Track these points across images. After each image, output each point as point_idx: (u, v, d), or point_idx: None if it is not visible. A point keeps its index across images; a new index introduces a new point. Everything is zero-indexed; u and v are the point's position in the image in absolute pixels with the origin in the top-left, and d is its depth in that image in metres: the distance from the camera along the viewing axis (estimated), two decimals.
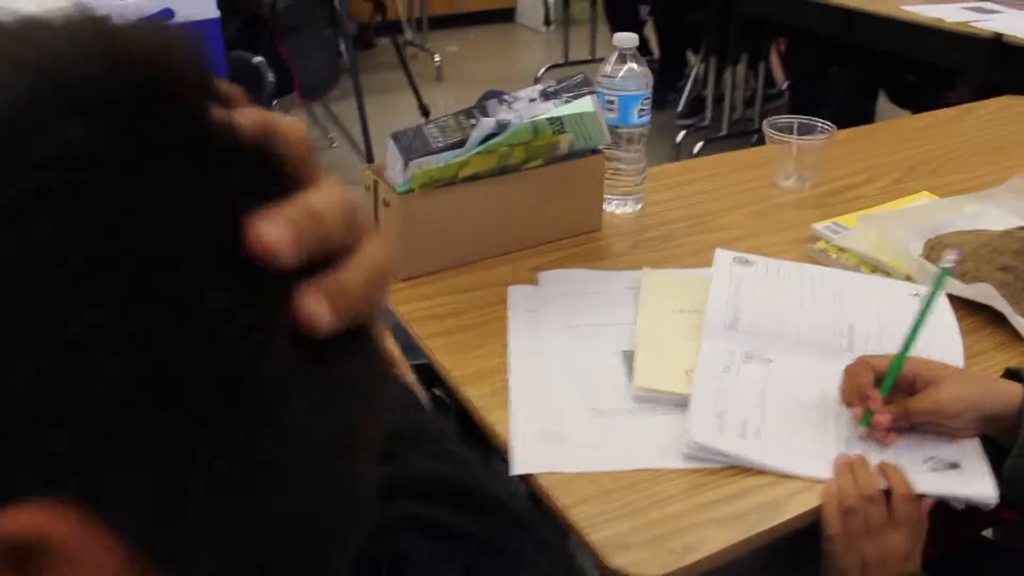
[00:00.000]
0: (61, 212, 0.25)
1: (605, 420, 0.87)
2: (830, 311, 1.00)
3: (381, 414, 0.33)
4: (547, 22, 5.43)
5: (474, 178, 1.10)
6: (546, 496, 0.79)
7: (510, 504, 0.45)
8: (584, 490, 0.79)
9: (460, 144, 1.08)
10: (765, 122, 1.42)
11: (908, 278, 1.10)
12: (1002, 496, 0.80)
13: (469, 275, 1.13)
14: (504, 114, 1.09)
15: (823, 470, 0.81)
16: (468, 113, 1.09)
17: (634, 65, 1.24)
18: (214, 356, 0.26)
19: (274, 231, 0.27)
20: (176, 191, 0.26)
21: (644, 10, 3.85)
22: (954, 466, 0.83)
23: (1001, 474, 0.80)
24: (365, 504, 0.33)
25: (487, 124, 1.07)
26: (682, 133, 3.55)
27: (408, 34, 4.94)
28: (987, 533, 1.15)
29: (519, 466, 0.81)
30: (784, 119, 1.41)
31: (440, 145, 1.07)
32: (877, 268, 1.14)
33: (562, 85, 1.14)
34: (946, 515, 0.83)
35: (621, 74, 1.24)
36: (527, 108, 1.11)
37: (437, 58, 4.61)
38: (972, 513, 0.83)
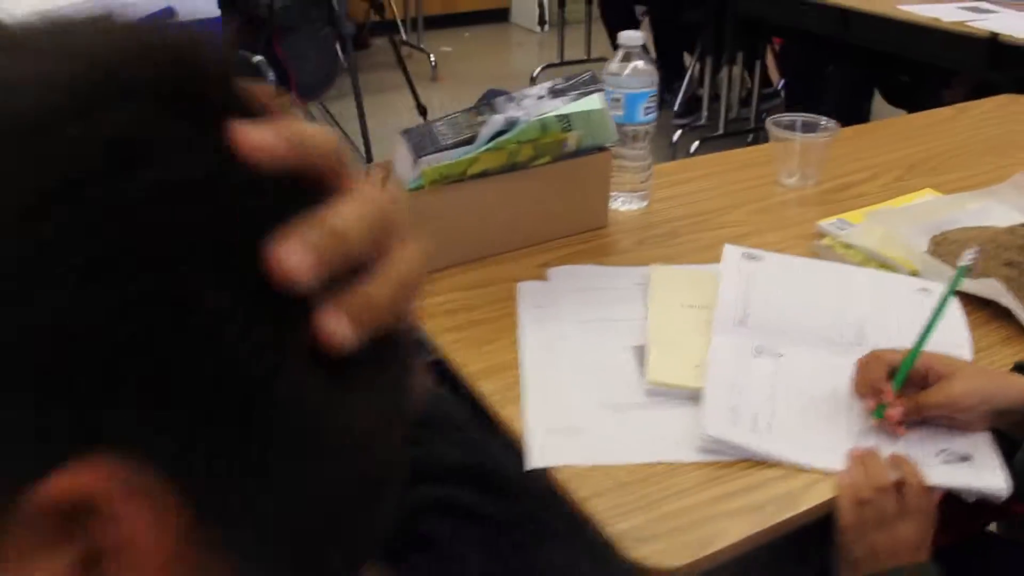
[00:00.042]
0: (101, 192, 0.26)
1: (619, 414, 0.88)
2: (839, 306, 1.01)
3: (408, 408, 0.33)
4: (541, 22, 5.44)
5: (483, 175, 1.11)
6: (562, 489, 0.79)
7: (531, 488, 0.46)
8: (600, 483, 0.80)
9: (469, 141, 1.08)
10: (768, 119, 1.42)
11: (914, 274, 1.11)
12: (1013, 489, 0.81)
13: (478, 271, 1.13)
14: (513, 111, 1.10)
15: (836, 462, 0.82)
16: (477, 110, 1.10)
17: (640, 63, 1.25)
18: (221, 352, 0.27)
19: (294, 256, 0.27)
20: (186, 197, 0.27)
21: (640, 10, 3.86)
22: (966, 459, 0.83)
23: (1013, 467, 0.81)
24: (391, 485, 0.33)
25: (496, 121, 1.07)
26: (678, 132, 3.56)
27: (403, 34, 4.94)
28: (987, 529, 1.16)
29: (534, 459, 0.81)
30: (787, 117, 1.42)
31: (449, 142, 1.07)
32: (883, 264, 1.14)
33: (570, 83, 1.15)
34: (956, 507, 0.84)
35: (627, 72, 1.25)
36: (535, 105, 1.12)
37: (432, 58, 4.61)
38: (981, 505, 0.84)
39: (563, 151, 1.15)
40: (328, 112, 3.58)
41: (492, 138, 1.08)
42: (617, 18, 3.77)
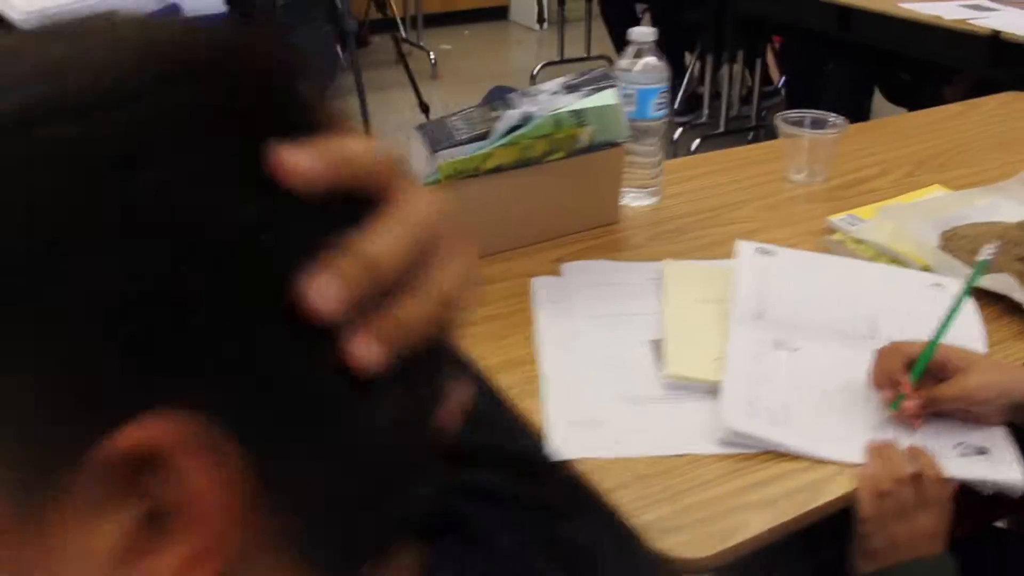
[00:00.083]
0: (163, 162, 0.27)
1: (638, 407, 0.88)
2: (854, 300, 1.02)
3: (440, 400, 0.34)
4: (540, 20, 5.44)
5: (497, 170, 1.11)
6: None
7: (558, 471, 0.46)
8: (621, 475, 0.80)
9: (484, 136, 1.09)
10: (777, 116, 1.43)
11: (926, 269, 1.12)
12: None
13: (492, 266, 1.14)
14: (527, 107, 1.10)
15: (854, 455, 0.83)
16: (492, 105, 1.10)
17: (651, 59, 1.26)
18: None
19: (323, 289, 0.28)
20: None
21: (640, 8, 3.87)
22: (983, 452, 0.84)
23: None
24: (430, 460, 0.34)
25: (511, 116, 1.08)
26: (679, 130, 3.56)
27: (402, 31, 4.94)
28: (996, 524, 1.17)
29: (557, 452, 0.82)
30: (795, 113, 1.42)
31: (465, 137, 1.08)
32: (895, 259, 1.15)
33: (583, 78, 1.15)
34: (971, 499, 0.84)
35: (638, 68, 1.25)
36: (549, 101, 1.12)
37: (432, 56, 4.61)
38: (997, 498, 0.84)
39: (576, 146, 1.15)
40: None
41: (507, 133, 1.08)
42: (617, 16, 3.77)
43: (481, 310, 1.05)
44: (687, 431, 0.86)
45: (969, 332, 0.99)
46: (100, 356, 0.26)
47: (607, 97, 1.12)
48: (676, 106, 3.71)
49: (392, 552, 0.35)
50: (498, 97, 1.15)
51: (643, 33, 1.25)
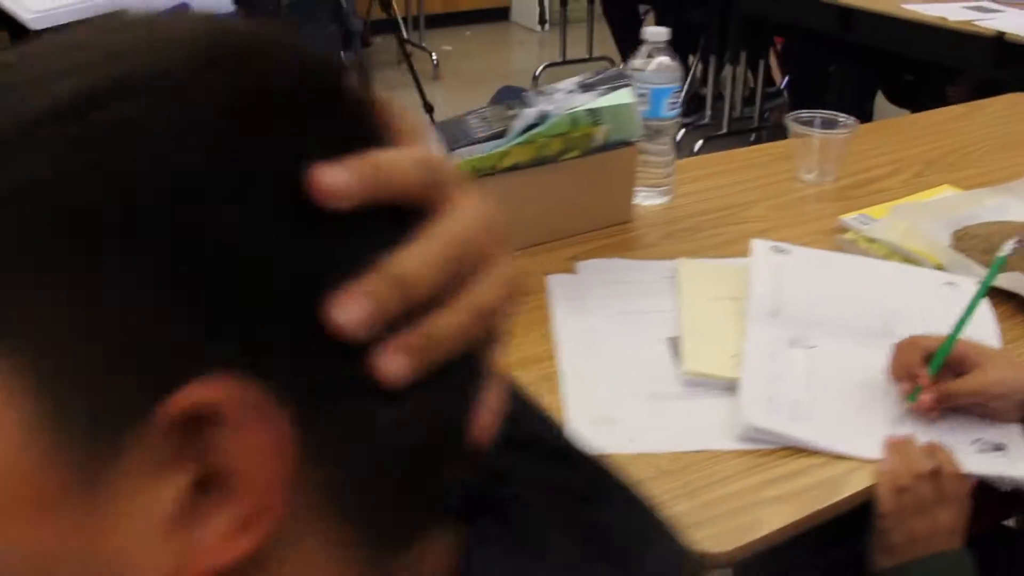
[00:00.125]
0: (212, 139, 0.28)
1: (657, 404, 0.89)
2: (869, 298, 1.03)
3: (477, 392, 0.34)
4: (541, 21, 5.45)
5: (513, 168, 1.12)
6: None
7: (590, 457, 0.47)
8: (642, 471, 0.81)
9: (501, 135, 1.09)
10: (787, 116, 1.44)
11: (939, 268, 1.12)
12: None
13: None
14: (544, 105, 1.11)
15: (873, 450, 0.83)
16: (509, 104, 1.11)
17: (664, 58, 1.26)
18: None
19: (350, 310, 0.28)
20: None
21: (643, 9, 3.88)
22: (1000, 448, 0.85)
23: None
24: (466, 441, 0.34)
25: (529, 115, 1.08)
26: (682, 131, 3.57)
27: (404, 32, 4.94)
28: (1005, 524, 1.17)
29: (584, 442, 0.82)
30: (806, 113, 1.43)
31: (482, 135, 1.08)
32: (907, 258, 1.16)
33: (599, 77, 1.16)
34: (988, 496, 0.85)
35: (651, 67, 1.26)
36: (565, 99, 1.13)
37: (434, 56, 4.62)
38: (1014, 495, 0.85)
39: (591, 145, 1.16)
40: None
41: (523, 132, 1.09)
42: (621, 17, 3.78)
43: None
44: (706, 427, 0.86)
45: (984, 330, 0.99)
46: (168, 318, 0.27)
47: (623, 96, 1.13)
48: None
49: (431, 531, 0.36)
50: (507, 97, 1.16)
51: (657, 33, 1.26)
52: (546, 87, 1.15)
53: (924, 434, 0.85)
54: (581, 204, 1.20)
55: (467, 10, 5.47)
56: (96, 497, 0.28)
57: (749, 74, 3.65)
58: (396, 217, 0.31)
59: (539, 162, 1.13)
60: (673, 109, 1.28)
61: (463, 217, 0.32)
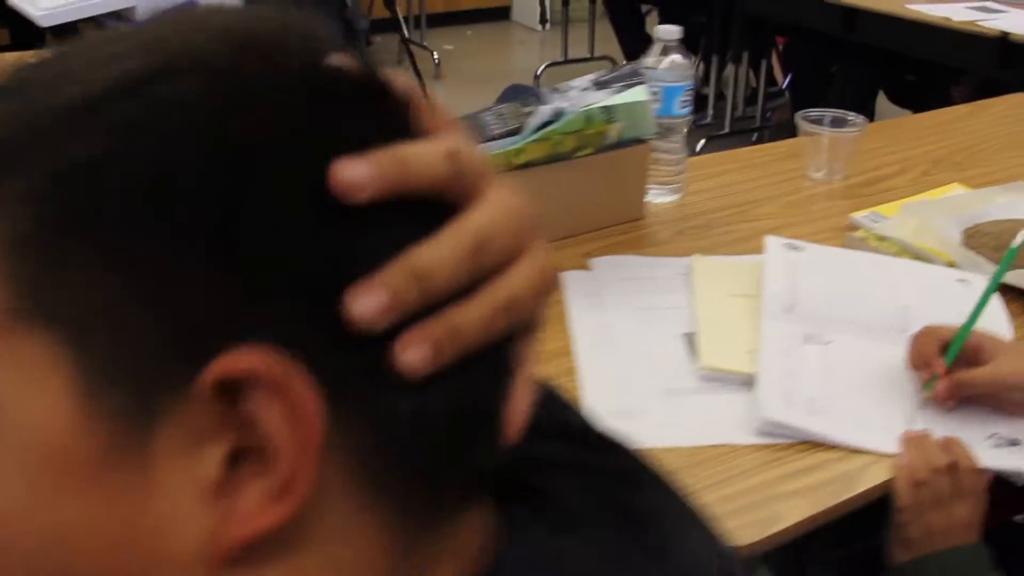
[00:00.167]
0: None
1: (674, 399, 0.90)
2: (882, 295, 1.03)
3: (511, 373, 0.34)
4: (542, 21, 5.46)
5: (527, 165, 1.12)
6: None
7: (622, 443, 0.47)
8: (663, 465, 0.81)
9: (517, 131, 1.10)
10: (797, 114, 1.45)
11: (951, 265, 1.13)
12: None
13: None
14: (559, 102, 1.11)
15: (890, 445, 0.84)
16: (524, 101, 1.12)
17: (677, 56, 1.27)
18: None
19: (363, 302, 0.28)
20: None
21: (646, 8, 3.88)
22: (1015, 443, 0.85)
23: None
24: (497, 429, 0.34)
25: (544, 112, 1.09)
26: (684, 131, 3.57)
27: (406, 31, 4.94)
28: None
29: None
30: (815, 112, 1.44)
31: (498, 132, 1.09)
32: (918, 256, 1.16)
33: (613, 75, 1.17)
34: (1003, 490, 0.86)
35: (664, 65, 1.27)
36: (580, 97, 1.13)
37: (435, 56, 4.62)
38: None
39: (604, 143, 1.16)
40: None
41: (538, 129, 1.10)
42: (623, 17, 3.79)
43: None
44: (723, 422, 0.87)
45: (996, 326, 1.00)
46: (208, 285, 0.28)
47: (637, 94, 1.14)
48: None
49: (464, 513, 0.36)
50: (514, 95, 1.17)
51: (669, 31, 1.27)
52: (561, 84, 1.15)
53: (941, 429, 0.86)
54: (594, 201, 1.21)
55: (468, 9, 5.47)
56: (139, 465, 0.29)
57: (751, 74, 3.66)
58: (426, 210, 0.31)
59: (553, 159, 1.13)
60: (685, 107, 1.29)
61: (491, 210, 0.32)
